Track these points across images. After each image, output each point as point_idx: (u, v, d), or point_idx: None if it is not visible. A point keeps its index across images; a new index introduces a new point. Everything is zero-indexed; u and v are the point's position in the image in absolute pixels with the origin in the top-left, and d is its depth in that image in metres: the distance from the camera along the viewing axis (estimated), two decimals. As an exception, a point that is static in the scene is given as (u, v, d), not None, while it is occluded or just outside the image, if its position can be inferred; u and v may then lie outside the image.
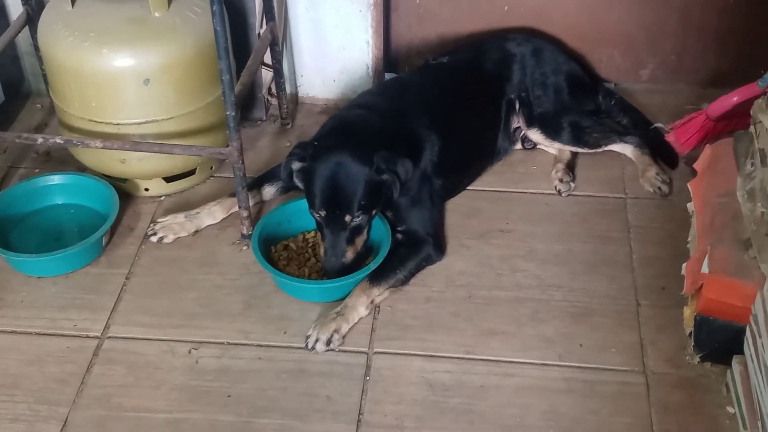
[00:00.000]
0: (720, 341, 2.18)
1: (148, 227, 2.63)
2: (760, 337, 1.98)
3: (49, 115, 3.08)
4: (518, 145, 2.91)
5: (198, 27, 2.53)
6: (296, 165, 2.41)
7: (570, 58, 2.95)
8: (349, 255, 2.36)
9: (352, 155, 2.34)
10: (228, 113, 2.38)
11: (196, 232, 2.62)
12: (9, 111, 3.05)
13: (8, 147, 2.94)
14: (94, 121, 2.55)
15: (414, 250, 2.49)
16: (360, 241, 2.39)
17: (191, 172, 2.76)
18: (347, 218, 2.33)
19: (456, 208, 2.70)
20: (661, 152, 2.84)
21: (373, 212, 2.41)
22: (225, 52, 2.29)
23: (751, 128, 2.27)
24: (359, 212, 2.34)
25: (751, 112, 2.27)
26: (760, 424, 1.95)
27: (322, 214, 2.35)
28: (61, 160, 2.88)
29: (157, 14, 2.49)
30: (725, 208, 2.25)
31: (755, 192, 2.14)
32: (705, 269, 2.15)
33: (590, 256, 2.55)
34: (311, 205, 2.38)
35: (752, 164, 2.22)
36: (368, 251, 2.49)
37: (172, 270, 2.52)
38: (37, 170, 2.85)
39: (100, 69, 2.47)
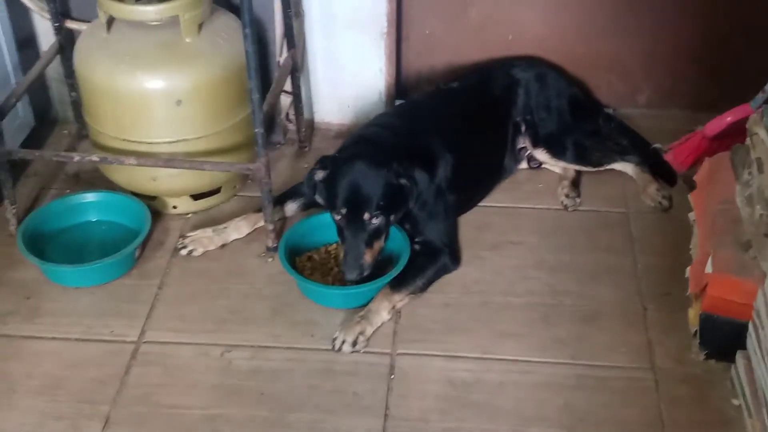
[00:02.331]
0: (724, 338, 2.31)
1: (178, 241, 2.76)
2: (763, 329, 2.12)
3: (75, 140, 3.21)
4: (524, 165, 3.07)
5: (226, 52, 2.69)
6: (319, 175, 2.56)
7: (571, 82, 3.13)
8: (368, 258, 2.49)
9: (373, 161, 2.51)
10: (257, 130, 2.54)
11: (223, 245, 2.76)
12: (38, 136, 3.18)
13: (38, 170, 3.07)
14: (128, 141, 2.70)
15: (432, 259, 2.63)
16: (378, 246, 2.53)
17: (217, 191, 2.90)
18: (366, 216, 2.47)
19: (469, 222, 2.85)
20: (660, 171, 3.00)
21: (391, 217, 2.54)
22: (255, 72, 2.44)
23: (748, 140, 2.44)
24: (377, 212, 2.48)
25: (747, 126, 2.45)
26: (764, 410, 2.09)
27: (343, 212, 2.49)
28: (90, 182, 3.00)
29: (188, 40, 2.65)
30: (725, 214, 2.41)
31: (753, 197, 2.31)
32: (709, 269, 2.30)
33: (597, 265, 2.70)
34: (332, 207, 2.52)
35: (749, 173, 2.38)
36: (388, 262, 2.62)
37: (202, 280, 2.65)
38: (67, 191, 2.97)
39: (135, 91, 2.62)
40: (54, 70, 3.16)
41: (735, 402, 2.26)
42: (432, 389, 2.32)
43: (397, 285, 2.53)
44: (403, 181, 2.50)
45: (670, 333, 2.46)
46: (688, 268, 2.48)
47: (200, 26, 2.67)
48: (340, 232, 2.54)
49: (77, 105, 3.12)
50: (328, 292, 2.55)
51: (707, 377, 2.34)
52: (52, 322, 2.52)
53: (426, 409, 2.27)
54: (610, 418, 2.24)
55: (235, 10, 2.80)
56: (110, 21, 2.67)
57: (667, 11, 3.14)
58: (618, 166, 3.03)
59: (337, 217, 2.52)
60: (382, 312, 2.49)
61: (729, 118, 2.87)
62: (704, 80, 3.26)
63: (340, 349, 2.41)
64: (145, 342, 2.46)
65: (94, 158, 2.68)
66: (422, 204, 2.63)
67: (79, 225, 2.80)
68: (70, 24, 2.97)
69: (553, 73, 3.09)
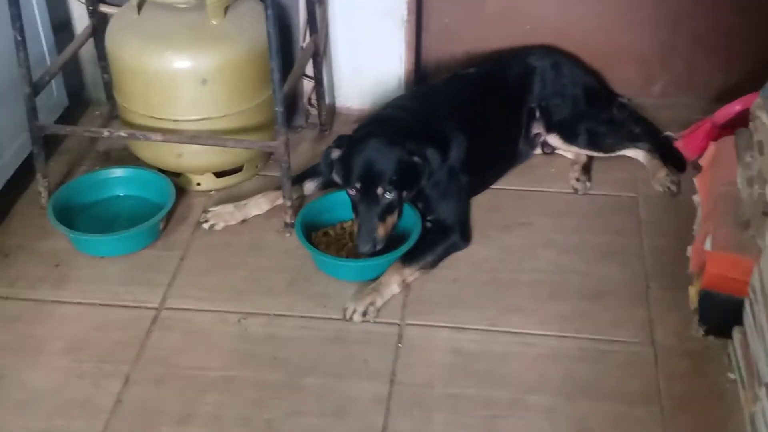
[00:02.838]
0: (722, 314, 2.38)
1: (201, 216, 2.88)
2: (758, 303, 2.19)
3: (107, 121, 3.32)
4: (538, 150, 3.16)
5: (250, 34, 2.80)
6: (335, 153, 2.67)
7: (587, 71, 3.21)
8: (381, 232, 2.58)
9: (387, 139, 2.62)
10: (277, 109, 2.65)
11: (244, 221, 2.87)
12: (71, 116, 3.32)
13: (71, 147, 3.20)
14: (155, 118, 2.82)
15: (442, 237, 2.72)
16: (391, 221, 2.63)
17: (239, 170, 3.02)
18: (380, 191, 2.57)
19: (481, 204, 2.93)
20: (670, 158, 3.06)
21: (404, 194, 2.64)
22: (276, 52, 2.56)
23: (750, 125, 2.51)
24: (390, 186, 2.58)
25: (750, 110, 2.52)
26: (756, 383, 2.16)
27: (357, 187, 2.59)
28: (120, 160, 3.12)
29: (214, 22, 2.76)
30: (727, 196, 2.48)
31: (754, 178, 2.38)
32: (708, 247, 2.38)
33: (604, 246, 2.77)
34: (347, 182, 2.63)
35: (751, 156, 2.45)
36: (401, 239, 2.70)
37: (223, 253, 2.77)
38: (97, 167, 3.10)
39: (163, 70, 2.74)
40: (87, 53, 3.30)
41: (731, 376, 2.33)
42: (438, 358, 2.42)
43: (408, 260, 2.63)
44: (416, 158, 2.60)
45: (671, 310, 2.53)
46: (690, 247, 2.55)
47: (226, 9, 2.79)
48: (355, 207, 2.64)
49: (109, 87, 3.25)
50: (342, 265, 2.65)
51: (705, 352, 2.41)
52: (79, 288, 2.65)
53: (431, 376, 2.36)
54: (609, 389, 2.32)
55: (260, -4, 2.94)
56: (141, 4, 2.80)
57: (685, 2, 3.21)
58: (629, 152, 3.10)
59: (352, 192, 2.62)
60: (392, 285, 2.58)
61: (738, 107, 2.94)
62: (719, 70, 3.32)
63: (350, 318, 2.51)
64: (166, 308, 2.58)
65: (123, 134, 2.81)
66: (435, 183, 2.73)
67: (106, 199, 2.92)
68: (104, 8, 3.10)
69: (568, 61, 3.18)
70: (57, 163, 3.13)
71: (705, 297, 2.40)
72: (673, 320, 2.51)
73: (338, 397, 2.31)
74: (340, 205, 2.79)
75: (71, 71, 3.31)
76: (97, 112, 3.41)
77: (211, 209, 2.88)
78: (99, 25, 3.11)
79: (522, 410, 2.27)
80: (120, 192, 2.94)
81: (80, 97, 3.43)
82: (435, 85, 3.11)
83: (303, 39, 3.15)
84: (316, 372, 2.38)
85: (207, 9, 2.73)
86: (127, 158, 3.11)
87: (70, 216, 2.81)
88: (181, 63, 2.74)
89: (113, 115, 3.31)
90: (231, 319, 2.54)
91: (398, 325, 2.52)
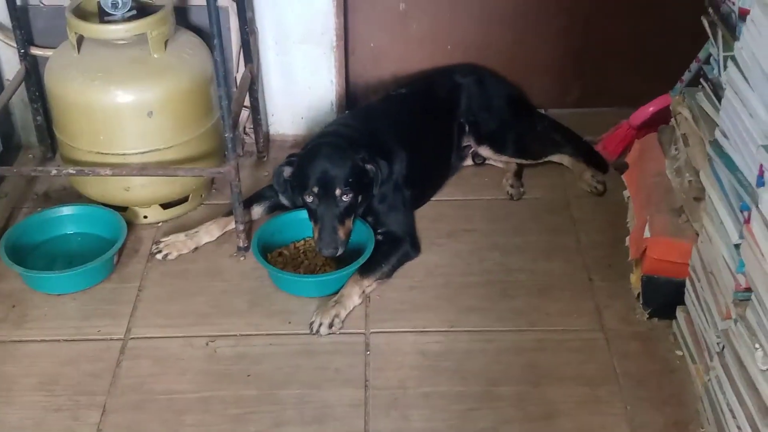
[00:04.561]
0: (664, 296, 2.57)
1: (152, 247, 2.92)
2: (699, 281, 2.38)
3: (41, 163, 3.34)
4: (469, 161, 3.32)
5: (191, 65, 2.88)
6: (287, 171, 2.77)
7: (508, 84, 3.40)
8: (341, 235, 2.69)
9: (338, 147, 2.75)
10: (227, 135, 2.72)
11: (196, 248, 2.92)
12: (4, 161, 3.30)
13: (7, 191, 3.19)
14: (102, 153, 2.85)
15: (394, 247, 2.84)
16: (349, 224, 2.74)
17: (185, 200, 3.06)
18: (338, 192, 2.68)
19: (425, 215, 3.07)
20: (593, 160, 3.27)
21: (359, 198, 2.75)
22: (224, 80, 2.64)
23: (672, 121, 2.72)
24: (347, 188, 2.69)
25: (671, 108, 2.73)
26: (706, 354, 2.33)
27: (315, 191, 2.69)
28: (59, 200, 3.13)
29: (155, 55, 2.82)
30: (658, 186, 2.68)
31: (682, 168, 2.58)
32: (647, 234, 2.56)
33: (544, 245, 2.94)
34: (304, 188, 2.72)
35: (676, 148, 2.66)
36: (356, 254, 2.78)
37: (180, 281, 2.81)
38: (38, 209, 3.10)
39: (109, 105, 2.78)
40: (16, 96, 3.29)
41: (678, 353, 2.51)
42: (406, 361, 2.52)
43: (365, 271, 2.73)
44: (368, 166, 2.73)
45: (615, 298, 2.71)
46: (628, 238, 2.74)
47: (166, 43, 2.85)
48: (313, 213, 2.73)
49: (42, 129, 3.27)
50: (302, 281, 2.73)
51: (652, 334, 2.59)
52: (41, 326, 2.65)
53: (403, 377, 2.47)
54: (570, 373, 2.47)
55: (193, 29, 3.02)
56: (79, 41, 2.83)
57: (594, 13, 3.41)
58: (555, 157, 3.29)
59: (310, 199, 2.71)
60: (353, 296, 2.68)
61: (651, 108, 3.18)
62: (628, 77, 3.52)
63: (317, 331, 2.59)
64: (132, 338, 2.60)
65: (72, 171, 2.83)
66: (382, 197, 2.86)
67: (56, 238, 2.93)
68: (35, 50, 3.13)
69: (490, 76, 3.36)
70: (-5, 208, 3.12)
71: (647, 281, 2.58)
72: (618, 307, 2.68)
73: (317, 405, 2.39)
74: (291, 225, 2.88)
75: (1, 116, 3.29)
76: (30, 156, 3.41)
77: (162, 239, 2.92)
78: (31, 66, 3.12)
79: (493, 401, 2.40)
80: (69, 230, 2.95)
81: (11, 141, 3.41)
82: (371, 106, 3.24)
83: (236, 69, 3.23)
84: (291, 384, 2.45)
85: (149, 43, 2.79)
86: (67, 197, 3.13)
87: (21, 256, 2.81)
88: (127, 97, 2.78)
89: (47, 157, 3.33)
90: (198, 342, 2.59)
91: (363, 333, 2.61)
